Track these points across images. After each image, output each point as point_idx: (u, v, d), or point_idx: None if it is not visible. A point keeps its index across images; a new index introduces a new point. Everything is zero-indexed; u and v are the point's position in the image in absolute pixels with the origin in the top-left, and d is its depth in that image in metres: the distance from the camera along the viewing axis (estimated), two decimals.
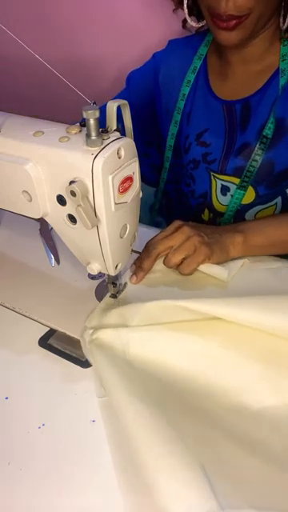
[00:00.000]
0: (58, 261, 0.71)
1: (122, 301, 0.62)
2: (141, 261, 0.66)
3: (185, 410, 0.49)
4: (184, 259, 0.64)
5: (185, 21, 0.81)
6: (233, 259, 0.67)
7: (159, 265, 0.66)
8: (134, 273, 0.65)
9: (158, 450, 0.43)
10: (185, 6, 0.76)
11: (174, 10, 0.82)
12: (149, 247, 0.66)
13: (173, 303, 0.56)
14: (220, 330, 0.55)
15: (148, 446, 0.43)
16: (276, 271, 0.66)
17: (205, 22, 0.75)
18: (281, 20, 0.72)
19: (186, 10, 0.76)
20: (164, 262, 0.65)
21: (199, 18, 0.78)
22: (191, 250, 0.64)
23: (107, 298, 0.62)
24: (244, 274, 0.65)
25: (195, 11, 0.78)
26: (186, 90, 0.84)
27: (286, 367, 0.52)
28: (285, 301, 0.55)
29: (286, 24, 0.72)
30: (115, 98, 0.91)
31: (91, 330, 0.56)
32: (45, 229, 0.74)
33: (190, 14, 0.77)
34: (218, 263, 0.65)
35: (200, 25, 0.79)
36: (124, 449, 0.45)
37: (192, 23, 0.79)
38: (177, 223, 0.67)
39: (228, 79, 0.81)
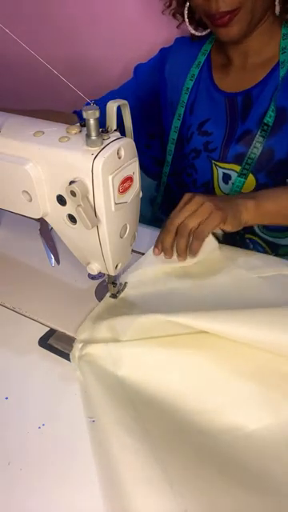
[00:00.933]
0: (58, 261, 0.71)
1: (121, 301, 0.62)
2: (161, 239, 0.65)
3: (175, 433, 0.47)
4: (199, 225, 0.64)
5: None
6: (246, 225, 0.68)
7: (158, 271, 0.65)
8: (159, 250, 0.65)
9: (141, 490, 0.41)
10: (187, 23, 0.81)
11: (177, 26, 0.86)
12: (166, 225, 0.66)
13: (165, 318, 0.53)
14: (213, 345, 0.53)
15: (132, 484, 0.42)
16: (271, 279, 0.64)
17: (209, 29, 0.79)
18: (276, 8, 0.74)
19: (189, 28, 0.81)
20: (180, 230, 0.64)
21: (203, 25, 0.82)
22: (206, 214, 0.64)
23: (107, 298, 0.62)
24: (239, 284, 0.64)
25: (197, 19, 0.81)
26: (189, 84, 0.86)
27: (283, 387, 0.49)
28: (279, 314, 0.52)
29: (278, 8, 0.74)
30: (122, 87, 0.94)
31: (81, 344, 0.55)
32: (45, 229, 0.74)
33: (194, 27, 0.82)
34: (232, 228, 0.66)
35: (204, 33, 0.83)
36: (109, 476, 0.44)
37: (197, 34, 0.83)
38: (188, 195, 0.67)
39: (230, 73, 0.83)
